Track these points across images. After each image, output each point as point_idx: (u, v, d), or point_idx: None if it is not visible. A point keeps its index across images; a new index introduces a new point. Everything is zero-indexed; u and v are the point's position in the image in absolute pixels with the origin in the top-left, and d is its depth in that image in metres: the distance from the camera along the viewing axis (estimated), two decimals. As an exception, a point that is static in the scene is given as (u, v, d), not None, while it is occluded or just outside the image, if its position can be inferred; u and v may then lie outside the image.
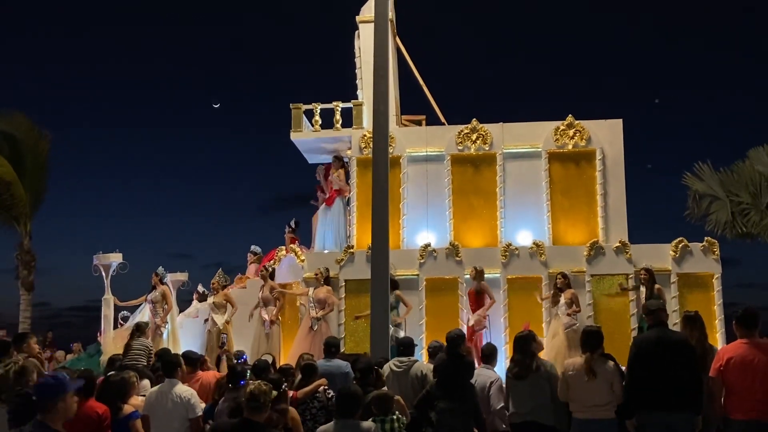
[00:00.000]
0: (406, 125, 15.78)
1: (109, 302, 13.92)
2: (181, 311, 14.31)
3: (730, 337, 10.50)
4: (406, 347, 8.24)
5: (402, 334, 11.37)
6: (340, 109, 14.95)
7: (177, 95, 56.68)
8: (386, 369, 7.85)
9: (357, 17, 15.39)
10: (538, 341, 7.28)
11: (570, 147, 14.00)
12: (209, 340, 13.00)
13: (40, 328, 18.99)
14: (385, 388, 7.00)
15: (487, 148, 14.14)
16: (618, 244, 13.03)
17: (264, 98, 55.77)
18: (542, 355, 7.38)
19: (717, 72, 51.41)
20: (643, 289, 12.14)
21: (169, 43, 57.08)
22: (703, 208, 16.32)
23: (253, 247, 15.41)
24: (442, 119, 15.69)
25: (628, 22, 51.40)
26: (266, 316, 12.70)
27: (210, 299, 13.56)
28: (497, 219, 13.91)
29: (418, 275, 13.15)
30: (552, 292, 12.45)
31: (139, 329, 11.52)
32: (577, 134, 14.00)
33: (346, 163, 14.93)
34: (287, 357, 11.99)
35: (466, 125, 14.33)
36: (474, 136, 14.19)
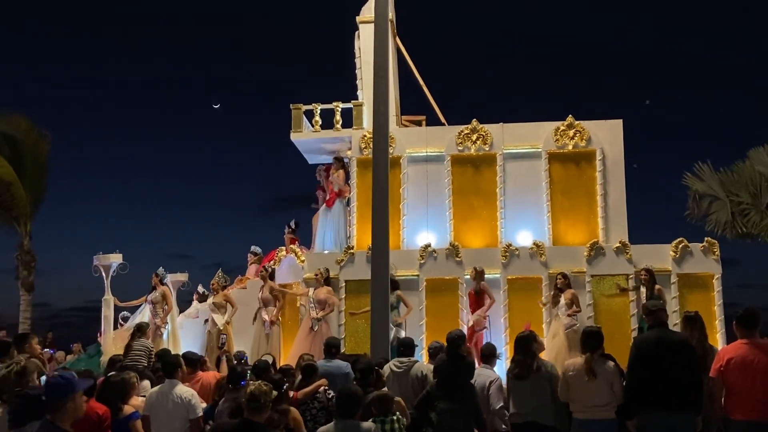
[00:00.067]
0: (406, 126, 15.78)
1: (109, 303, 13.90)
2: (181, 312, 14.31)
3: (730, 338, 10.50)
4: (407, 348, 8.25)
5: (403, 334, 11.38)
6: (340, 110, 14.95)
7: (177, 95, 56.73)
8: (386, 369, 7.86)
9: (357, 17, 15.39)
10: (539, 342, 7.28)
11: (570, 147, 14.01)
12: (209, 340, 12.99)
13: (40, 328, 19.02)
14: (386, 389, 7.00)
15: (487, 149, 14.14)
16: (618, 245, 13.02)
17: (264, 98, 55.82)
18: (542, 355, 7.37)
19: (717, 72, 51.46)
20: (643, 289, 12.14)
21: (169, 43, 57.13)
22: (703, 208, 16.32)
23: (253, 248, 15.42)
24: (443, 119, 15.70)
25: (628, 22, 51.45)
26: (266, 317, 12.70)
27: (210, 300, 13.56)
28: (497, 219, 13.91)
29: (418, 276, 13.15)
30: (552, 292, 12.45)
31: (140, 330, 11.53)
32: (578, 134, 14.00)
33: (346, 163, 14.93)
34: (287, 357, 11.99)
35: (466, 126, 14.33)
36: (474, 137, 14.20)
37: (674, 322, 10.76)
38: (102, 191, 56.98)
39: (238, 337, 12.95)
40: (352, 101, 15.12)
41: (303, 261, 13.55)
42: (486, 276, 12.52)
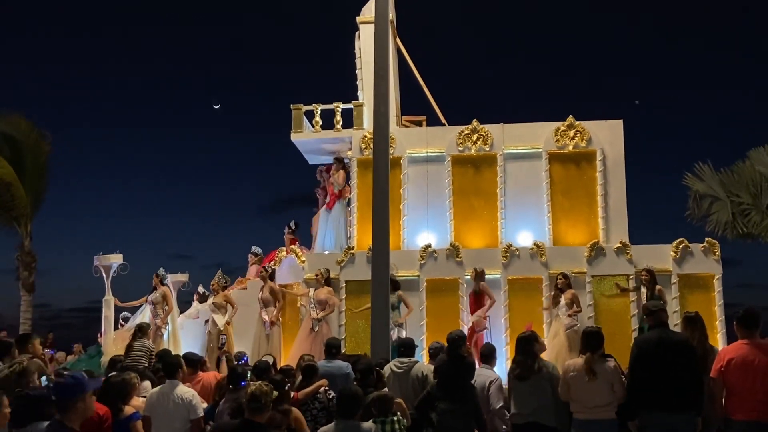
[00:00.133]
0: (406, 126, 15.78)
1: (109, 303, 13.90)
2: (181, 312, 14.32)
3: (730, 338, 10.48)
4: (407, 348, 8.25)
5: (403, 334, 11.39)
6: (340, 110, 14.95)
7: (177, 95, 56.73)
8: (387, 370, 7.86)
9: (357, 18, 15.39)
10: (540, 342, 7.27)
11: (570, 148, 14.01)
12: (209, 341, 13.00)
13: (41, 329, 19.05)
14: (386, 389, 7.00)
15: (487, 149, 14.15)
16: (618, 245, 13.03)
17: (264, 98, 55.83)
18: (543, 355, 7.37)
19: (717, 72, 51.46)
20: (643, 289, 12.14)
21: (169, 43, 57.11)
22: (703, 208, 16.32)
23: (253, 248, 15.41)
24: (443, 120, 15.70)
25: (628, 22, 51.44)
26: (266, 317, 12.70)
27: (210, 300, 13.56)
28: (498, 220, 13.92)
29: (418, 276, 13.15)
30: (553, 292, 12.45)
31: (141, 330, 11.53)
32: (578, 135, 14.01)
33: (347, 163, 14.93)
34: (288, 358, 11.99)
35: (466, 126, 14.34)
36: (474, 137, 14.20)
37: (675, 323, 10.76)
38: (102, 191, 57.04)
39: (238, 338, 12.95)
40: (353, 102, 15.13)
41: (303, 261, 13.55)
42: (486, 276, 12.52)
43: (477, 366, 7.80)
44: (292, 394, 7.07)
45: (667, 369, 6.32)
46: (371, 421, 6.08)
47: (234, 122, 54.64)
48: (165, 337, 13.23)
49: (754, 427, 6.12)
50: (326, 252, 14.43)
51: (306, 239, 15.81)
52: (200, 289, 14.67)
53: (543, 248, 13.13)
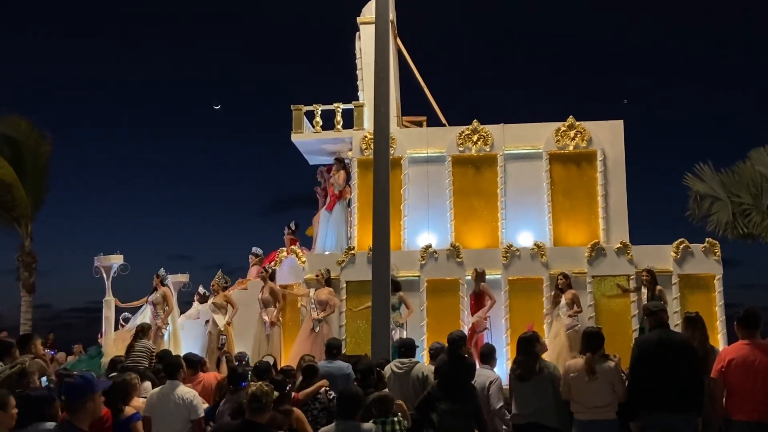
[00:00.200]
0: (407, 126, 15.78)
1: (110, 304, 13.90)
2: (182, 313, 14.32)
3: (731, 338, 10.47)
4: (408, 348, 8.25)
5: (404, 335, 11.39)
6: (341, 111, 14.96)
7: (177, 95, 56.68)
8: (387, 370, 7.86)
9: (358, 18, 15.39)
10: (541, 343, 7.26)
11: (571, 148, 14.01)
12: (210, 341, 12.99)
13: (41, 329, 19.02)
14: (386, 390, 7.00)
15: (488, 149, 14.15)
16: (619, 245, 13.03)
17: (264, 98, 55.80)
18: (544, 356, 7.36)
19: (717, 72, 51.47)
20: (644, 290, 12.13)
21: (169, 43, 57.08)
22: (704, 208, 16.32)
23: (254, 249, 15.40)
24: (443, 120, 15.70)
25: (628, 22, 51.43)
26: (266, 318, 12.70)
27: (210, 300, 13.56)
28: (498, 220, 13.92)
29: (419, 276, 13.15)
30: (553, 293, 12.45)
31: (143, 331, 11.53)
32: (578, 135, 14.01)
33: (347, 164, 14.93)
34: (288, 358, 11.99)
35: (467, 126, 14.34)
36: (475, 138, 14.20)
37: (675, 323, 10.75)
38: (102, 192, 57.05)
39: (238, 338, 12.95)
40: (353, 102, 15.12)
41: (304, 262, 13.56)
42: (487, 277, 12.51)
43: (477, 366, 7.81)
44: (293, 394, 7.07)
45: (668, 369, 6.31)
46: (371, 421, 6.08)
47: (234, 122, 54.65)
48: (165, 337, 13.24)
49: (755, 428, 6.12)
50: (327, 252, 14.43)
51: (306, 240, 15.81)
52: (200, 289, 14.68)
53: (543, 248, 13.13)
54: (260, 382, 5.65)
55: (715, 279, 12.79)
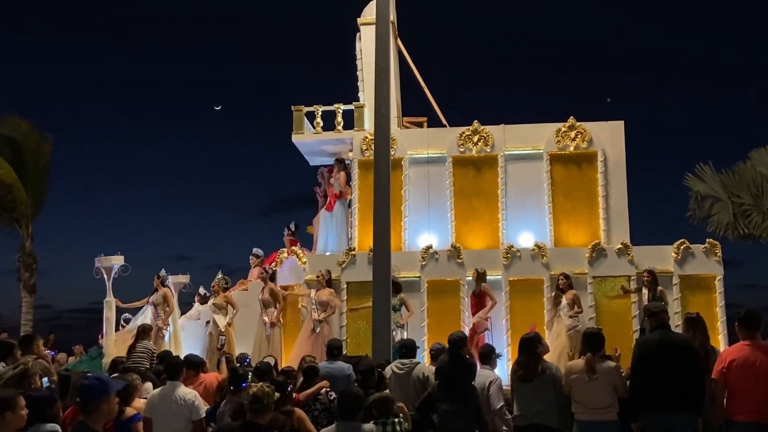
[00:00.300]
0: (407, 127, 15.78)
1: (110, 304, 13.91)
2: (182, 314, 14.32)
3: (732, 339, 10.48)
4: (408, 349, 8.26)
5: (405, 335, 11.40)
6: (341, 111, 14.96)
7: (177, 95, 56.75)
8: (388, 371, 7.87)
9: (358, 19, 15.38)
10: (543, 344, 7.26)
11: (571, 149, 14.01)
12: (211, 342, 12.99)
13: (42, 330, 19.01)
14: (387, 391, 7.00)
15: (488, 150, 14.15)
16: (620, 246, 13.02)
17: (264, 98, 55.84)
18: (546, 356, 7.36)
19: (717, 72, 51.48)
20: (645, 291, 12.13)
21: (169, 43, 57.15)
22: (704, 209, 16.33)
23: (255, 250, 15.40)
24: (444, 121, 15.70)
25: (628, 22, 51.45)
26: (266, 319, 12.70)
27: (211, 301, 13.56)
28: (499, 221, 13.92)
29: (419, 277, 13.15)
30: (554, 293, 12.45)
31: (144, 332, 11.54)
32: (579, 136, 14.01)
33: (348, 165, 14.93)
34: (289, 359, 11.99)
35: (467, 127, 14.34)
36: (475, 138, 14.20)
37: (676, 324, 10.75)
38: (103, 192, 57.09)
39: (239, 339, 12.94)
40: (354, 103, 15.13)
41: (304, 263, 13.56)
42: (488, 277, 12.51)
43: (477, 367, 7.81)
44: (294, 395, 7.08)
45: (669, 370, 6.32)
46: (372, 422, 6.08)
47: (234, 122, 54.69)
48: (166, 338, 13.24)
49: (755, 429, 6.13)
50: (328, 253, 14.44)
51: (307, 241, 15.81)
52: (201, 290, 14.69)
53: (544, 249, 13.13)
54: (261, 383, 5.65)
55: (716, 280, 12.79)
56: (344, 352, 10.22)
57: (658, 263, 12.65)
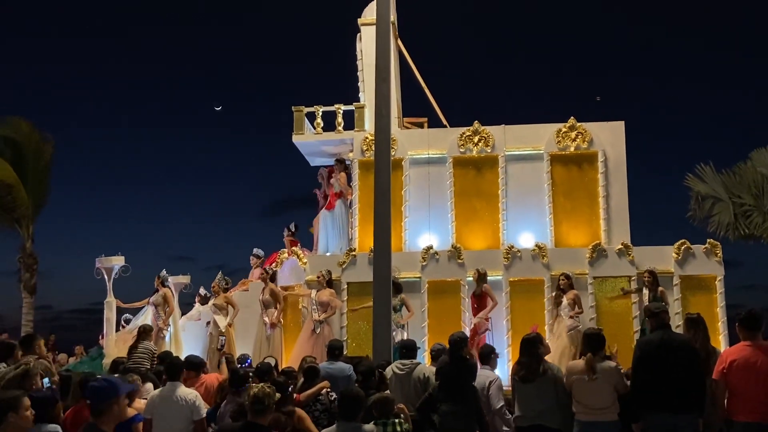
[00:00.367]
0: (407, 127, 15.78)
1: (111, 305, 13.91)
2: (183, 314, 14.33)
3: (732, 340, 10.48)
4: (409, 350, 8.26)
5: (405, 336, 11.40)
6: (341, 112, 14.96)
7: (177, 95, 56.80)
8: (389, 372, 7.86)
9: (359, 20, 15.38)
10: (545, 344, 7.26)
11: (572, 149, 14.01)
12: (211, 342, 13.00)
13: (42, 331, 18.98)
14: (388, 392, 7.00)
15: (489, 151, 14.15)
16: (620, 246, 13.02)
17: (264, 98, 55.87)
18: (547, 357, 7.36)
19: (717, 72, 51.49)
20: (646, 291, 12.13)
21: (169, 43, 57.19)
22: (705, 209, 16.33)
23: (255, 251, 15.40)
24: (444, 121, 15.70)
25: (628, 22, 51.47)
26: (267, 319, 12.70)
27: (211, 302, 13.57)
28: (499, 221, 13.91)
29: (420, 278, 13.15)
30: (555, 293, 12.44)
31: (145, 332, 11.54)
32: (579, 136, 14.00)
33: (348, 165, 14.94)
34: (289, 360, 11.99)
35: (468, 127, 14.33)
36: (476, 139, 14.20)
37: (676, 324, 10.74)
38: (103, 193, 57.13)
39: (240, 340, 12.94)
40: (354, 103, 15.12)
41: (305, 263, 13.56)
42: (488, 278, 12.51)
43: (478, 367, 7.82)
44: (295, 395, 7.08)
45: (669, 370, 6.32)
46: (372, 423, 6.08)
47: (234, 122, 54.71)
48: (167, 338, 13.25)
49: (756, 429, 6.14)
50: (328, 254, 14.44)
51: (307, 241, 15.82)
52: (201, 290, 14.69)
53: (545, 250, 13.13)
54: (262, 384, 5.65)
55: (717, 280, 12.79)
56: (345, 353, 10.22)
57: (659, 264, 12.64)
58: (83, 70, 55.24)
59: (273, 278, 13.16)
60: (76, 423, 6.11)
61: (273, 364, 8.43)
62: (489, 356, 8.11)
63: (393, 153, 11.86)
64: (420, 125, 15.99)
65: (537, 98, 44.20)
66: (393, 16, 14.79)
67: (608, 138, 14.05)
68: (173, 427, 6.54)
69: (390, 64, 10.65)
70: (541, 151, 14.05)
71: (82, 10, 53.50)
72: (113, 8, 54.44)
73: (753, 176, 16.07)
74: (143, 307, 14.01)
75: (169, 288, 13.89)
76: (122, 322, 14.28)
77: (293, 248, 14.61)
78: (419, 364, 8.09)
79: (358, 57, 15.62)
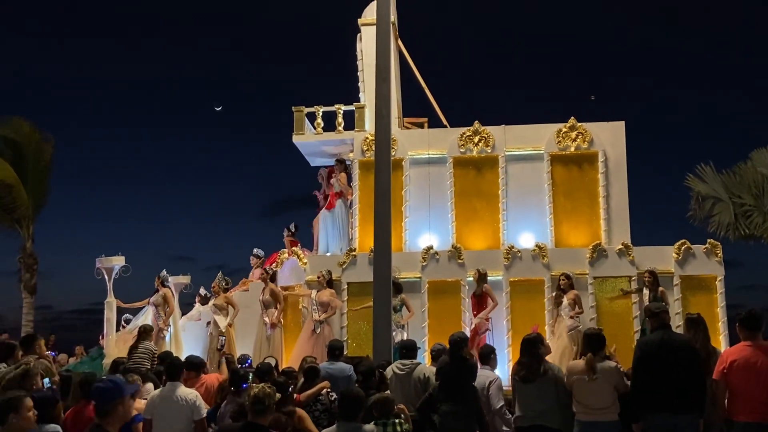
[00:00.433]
0: (408, 128, 15.78)
1: (111, 305, 13.91)
2: (183, 314, 14.33)
3: (733, 340, 10.48)
4: (409, 350, 8.26)
5: (405, 336, 11.40)
6: (342, 112, 14.96)
7: (177, 95, 56.77)
8: (389, 372, 7.86)
9: (359, 20, 15.38)
10: (545, 344, 7.26)
11: (572, 149, 14.01)
12: (211, 342, 13.00)
13: (43, 331, 18.97)
14: (388, 392, 7.00)
15: (489, 151, 14.15)
16: (620, 247, 13.02)
17: (264, 98, 55.88)
18: (547, 357, 7.36)
19: (717, 72, 51.49)
20: (646, 291, 12.13)
21: (169, 43, 57.19)
22: (705, 209, 16.33)
23: (255, 251, 15.40)
24: (444, 121, 15.69)
25: (628, 22, 51.47)
26: (267, 319, 12.70)
27: (211, 302, 13.57)
28: (499, 221, 13.91)
29: (420, 278, 13.15)
30: (555, 293, 12.44)
31: (145, 332, 11.54)
32: (580, 136, 14.01)
33: (349, 165, 14.94)
34: (289, 360, 11.99)
35: (468, 128, 14.33)
36: (476, 139, 14.20)
37: (677, 324, 10.74)
38: (103, 193, 57.11)
39: (240, 340, 12.95)
40: (354, 104, 15.12)
41: (305, 263, 13.56)
42: (488, 278, 12.51)
43: (478, 367, 7.82)
44: (295, 396, 7.08)
45: (670, 371, 6.32)
46: (373, 423, 6.08)
47: (234, 122, 54.67)
48: (167, 338, 13.25)
49: (756, 429, 6.14)
50: (328, 254, 14.44)
51: (307, 241, 15.82)
52: (202, 290, 14.69)
53: (545, 250, 13.13)
54: (262, 384, 5.65)
55: (717, 280, 12.79)
56: (345, 353, 10.22)
57: (659, 264, 12.64)
58: (83, 70, 55.31)
59: (273, 278, 13.16)
60: (76, 423, 6.12)
61: (273, 365, 8.43)
62: (489, 356, 8.11)
63: (393, 153, 11.85)
64: (420, 125, 15.98)
65: (537, 98, 44.21)
66: (393, 17, 14.79)
67: (608, 138, 14.05)
68: (173, 427, 6.54)
69: (390, 64, 10.65)
70: (542, 151, 14.05)
71: (82, 10, 53.57)
72: (113, 8, 54.50)
73: (753, 176, 16.08)
74: (143, 307, 14.01)
75: (170, 288, 13.89)
76: (122, 322, 14.27)
77: (293, 248, 14.61)
78: (419, 364, 8.09)
79: (359, 57, 15.62)
